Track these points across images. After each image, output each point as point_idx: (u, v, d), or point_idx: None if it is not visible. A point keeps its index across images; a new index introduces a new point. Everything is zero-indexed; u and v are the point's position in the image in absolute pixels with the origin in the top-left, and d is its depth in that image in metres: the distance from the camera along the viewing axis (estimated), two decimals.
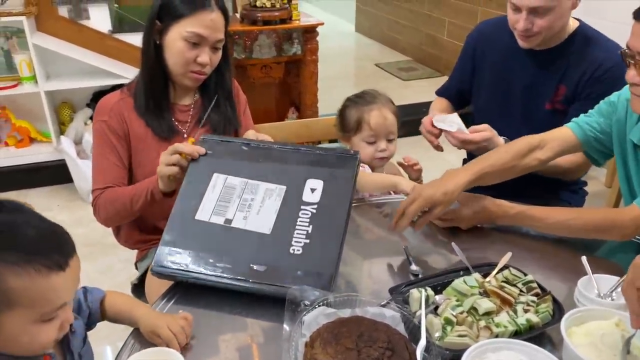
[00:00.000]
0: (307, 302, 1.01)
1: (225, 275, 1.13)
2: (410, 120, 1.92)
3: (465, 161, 2.02)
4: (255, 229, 1.18)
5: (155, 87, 1.46)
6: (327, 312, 1.01)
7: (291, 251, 1.15)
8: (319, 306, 1.01)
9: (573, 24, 1.67)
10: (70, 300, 0.87)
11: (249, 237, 1.17)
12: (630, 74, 1.21)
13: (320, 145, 1.28)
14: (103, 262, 2.61)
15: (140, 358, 0.94)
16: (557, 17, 1.56)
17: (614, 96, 1.42)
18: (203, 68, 1.43)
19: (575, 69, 1.65)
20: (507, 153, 1.43)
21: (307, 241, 1.15)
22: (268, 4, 3.27)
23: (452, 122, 1.63)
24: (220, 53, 1.47)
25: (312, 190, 1.20)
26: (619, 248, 1.35)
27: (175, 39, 1.40)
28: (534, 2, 1.53)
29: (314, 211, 1.18)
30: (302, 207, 1.19)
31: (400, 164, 1.78)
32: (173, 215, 1.22)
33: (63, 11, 3.24)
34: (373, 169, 1.71)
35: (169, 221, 1.21)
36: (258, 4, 3.28)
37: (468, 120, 1.85)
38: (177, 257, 1.16)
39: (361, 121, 1.67)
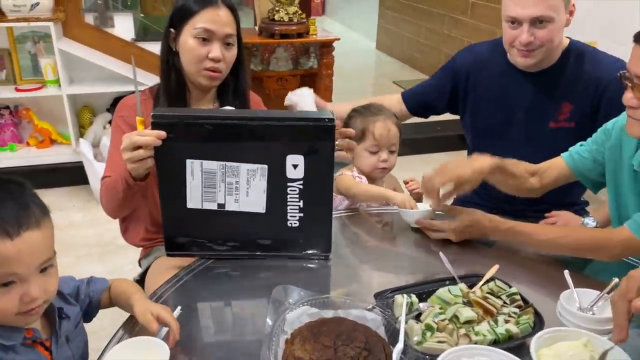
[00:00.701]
0: (291, 301, 1.05)
1: (235, 252, 1.30)
2: (423, 137, 1.94)
3: None
4: (250, 210, 1.26)
5: (170, 92, 1.52)
6: (311, 312, 1.04)
7: (289, 225, 1.28)
8: (303, 306, 1.05)
9: (564, 42, 1.69)
10: (27, 274, 0.88)
11: (246, 217, 1.26)
12: (627, 97, 1.21)
13: (288, 115, 1.28)
14: (113, 263, 2.66)
15: (123, 348, 0.97)
16: (556, 29, 1.58)
17: (609, 123, 1.42)
18: (216, 64, 1.46)
19: (575, 86, 1.66)
20: (517, 166, 1.46)
21: (302, 214, 1.28)
22: (286, 18, 3.35)
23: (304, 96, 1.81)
24: (234, 51, 1.50)
25: (295, 166, 1.23)
26: (608, 267, 1.35)
27: (187, 38, 1.46)
28: (536, 12, 1.54)
29: (301, 187, 1.25)
30: (289, 184, 1.24)
31: (405, 182, 1.81)
32: (164, 210, 1.27)
33: (89, 18, 3.35)
34: (374, 179, 1.74)
35: (163, 217, 1.27)
36: (276, 17, 3.36)
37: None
38: (185, 242, 1.29)
39: (366, 131, 1.71)
